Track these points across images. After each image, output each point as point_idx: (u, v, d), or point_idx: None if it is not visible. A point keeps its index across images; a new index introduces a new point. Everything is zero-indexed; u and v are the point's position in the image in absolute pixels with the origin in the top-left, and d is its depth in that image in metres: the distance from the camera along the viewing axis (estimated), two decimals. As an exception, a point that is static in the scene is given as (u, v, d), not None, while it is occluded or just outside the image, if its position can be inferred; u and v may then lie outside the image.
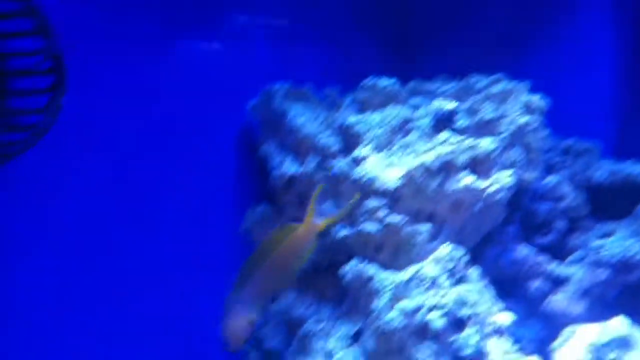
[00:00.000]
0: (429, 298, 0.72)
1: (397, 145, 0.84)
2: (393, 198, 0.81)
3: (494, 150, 0.79)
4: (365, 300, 0.78)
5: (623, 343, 0.71)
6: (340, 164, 0.84)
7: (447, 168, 0.79)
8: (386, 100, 0.90)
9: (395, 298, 0.74)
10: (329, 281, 0.87)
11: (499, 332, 0.73)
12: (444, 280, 0.73)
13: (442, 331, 0.70)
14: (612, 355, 0.70)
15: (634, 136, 1.19)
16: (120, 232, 0.80)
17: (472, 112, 0.86)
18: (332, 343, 0.79)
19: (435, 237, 0.82)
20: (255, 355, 0.88)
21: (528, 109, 0.86)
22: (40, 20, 0.58)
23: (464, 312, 0.72)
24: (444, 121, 0.82)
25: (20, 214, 0.70)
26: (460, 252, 0.76)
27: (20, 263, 0.70)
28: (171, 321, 0.85)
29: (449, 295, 0.72)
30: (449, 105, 0.82)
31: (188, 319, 0.86)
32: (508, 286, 0.89)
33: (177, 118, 0.86)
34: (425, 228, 0.80)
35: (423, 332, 0.71)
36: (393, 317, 0.72)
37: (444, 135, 0.80)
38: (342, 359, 0.77)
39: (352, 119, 0.86)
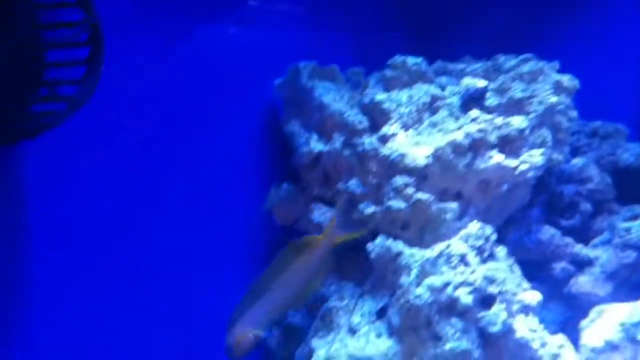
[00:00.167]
0: (458, 275, 0.72)
1: (426, 124, 0.83)
2: (420, 176, 0.81)
3: (525, 129, 0.78)
4: (392, 277, 0.78)
5: (654, 323, 0.71)
6: (368, 141, 0.83)
7: (477, 146, 0.78)
8: (413, 79, 0.89)
9: (423, 274, 0.74)
10: (349, 261, 0.87)
11: (526, 310, 0.74)
12: (472, 258, 0.74)
13: (470, 308, 0.71)
14: (643, 334, 0.70)
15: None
16: (144, 210, 0.80)
17: (501, 91, 0.85)
18: (356, 319, 0.80)
19: (461, 216, 0.82)
20: (278, 331, 0.89)
21: (558, 88, 0.86)
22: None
23: (492, 289, 0.72)
24: (473, 100, 0.82)
25: (48, 189, 0.70)
26: (489, 229, 0.76)
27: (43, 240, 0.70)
28: (195, 303, 0.85)
29: (477, 272, 0.72)
30: (480, 83, 0.82)
31: (210, 303, 0.85)
32: (532, 268, 0.89)
33: (201, 99, 0.86)
34: (453, 206, 0.80)
35: (451, 308, 0.72)
36: (421, 293, 0.72)
37: (474, 113, 0.80)
38: (366, 334, 0.77)
39: (380, 96, 0.85)
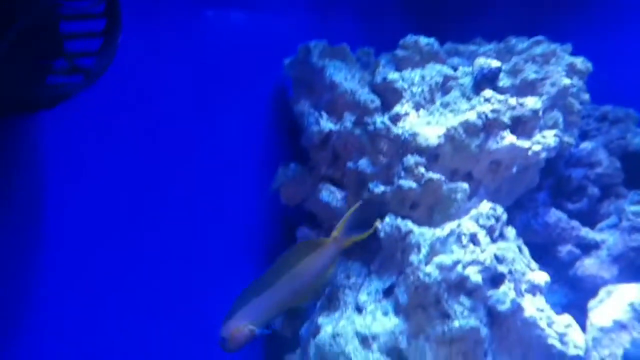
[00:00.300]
0: (468, 254, 0.72)
1: (438, 104, 0.83)
2: (432, 156, 0.81)
3: (539, 110, 0.78)
4: (401, 256, 0.79)
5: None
6: (379, 120, 0.83)
7: (489, 126, 0.78)
8: (425, 59, 0.89)
9: (433, 253, 0.74)
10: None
11: (534, 290, 0.74)
12: (482, 237, 0.74)
13: (479, 286, 0.71)
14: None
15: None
16: (157, 189, 0.80)
17: (514, 72, 0.85)
18: (363, 297, 0.80)
19: (470, 197, 0.82)
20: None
21: (571, 70, 0.86)
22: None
23: (502, 268, 0.72)
24: (486, 80, 0.82)
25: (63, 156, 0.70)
26: (500, 209, 0.77)
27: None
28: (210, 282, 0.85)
29: (487, 251, 0.73)
30: (494, 63, 0.81)
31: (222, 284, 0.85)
32: (538, 251, 0.90)
33: (211, 80, 0.86)
34: (464, 186, 0.80)
35: (460, 286, 0.72)
36: (430, 271, 0.73)
37: (487, 93, 0.80)
38: (373, 312, 0.78)
39: (393, 75, 0.85)
